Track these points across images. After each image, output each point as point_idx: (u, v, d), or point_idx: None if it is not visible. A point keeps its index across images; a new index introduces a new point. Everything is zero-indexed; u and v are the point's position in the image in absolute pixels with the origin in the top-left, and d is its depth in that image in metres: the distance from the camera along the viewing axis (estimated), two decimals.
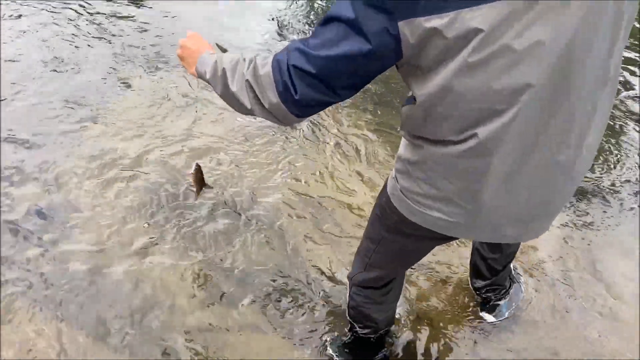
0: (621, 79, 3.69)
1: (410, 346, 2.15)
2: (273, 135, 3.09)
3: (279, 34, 4.07)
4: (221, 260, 2.40)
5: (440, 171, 1.22)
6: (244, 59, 1.21)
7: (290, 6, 4.50)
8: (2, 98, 3.14)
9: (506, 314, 2.20)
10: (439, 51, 0.99)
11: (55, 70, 3.45)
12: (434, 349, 2.15)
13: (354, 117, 3.27)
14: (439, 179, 1.23)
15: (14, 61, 3.47)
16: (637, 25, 3.98)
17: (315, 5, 4.57)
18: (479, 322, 2.23)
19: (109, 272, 2.30)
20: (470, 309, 2.27)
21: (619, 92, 3.52)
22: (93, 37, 3.85)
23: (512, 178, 1.17)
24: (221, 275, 2.34)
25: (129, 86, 3.39)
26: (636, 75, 3.82)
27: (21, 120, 3.02)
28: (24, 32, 3.77)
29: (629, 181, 2.95)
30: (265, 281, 2.33)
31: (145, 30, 3.96)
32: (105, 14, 4.14)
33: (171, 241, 2.45)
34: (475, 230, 1.31)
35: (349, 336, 2.04)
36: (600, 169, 3.02)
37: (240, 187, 2.75)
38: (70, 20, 3.99)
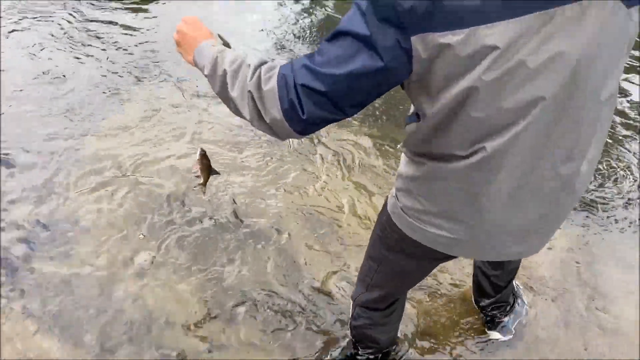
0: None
1: None
2: (268, 146, 3.06)
3: (279, 46, 4.06)
4: (218, 274, 2.36)
5: (444, 187, 1.19)
6: (248, 65, 1.13)
7: (286, 17, 4.48)
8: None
9: (513, 331, 2.17)
10: (452, 68, 0.96)
11: (46, 82, 3.40)
12: None
13: (350, 129, 3.24)
14: (441, 194, 1.21)
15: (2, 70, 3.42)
16: None
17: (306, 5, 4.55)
18: (483, 339, 2.20)
19: (104, 288, 2.26)
20: (474, 325, 2.24)
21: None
22: (84, 45, 3.80)
23: (518, 192, 1.15)
24: (218, 290, 2.30)
25: (121, 98, 3.34)
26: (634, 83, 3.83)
27: (11, 133, 2.97)
28: (13, 44, 3.73)
29: (629, 192, 2.94)
30: (263, 296, 2.29)
31: (140, 42, 3.91)
32: (97, 21, 4.09)
33: (166, 254, 2.41)
34: (478, 248, 1.29)
35: (350, 354, 2.00)
36: (600, 181, 3.00)
37: (235, 198, 2.71)
38: (60, 30, 3.94)
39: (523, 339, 2.21)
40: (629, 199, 2.90)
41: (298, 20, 4.44)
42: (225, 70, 1.16)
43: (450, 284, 2.40)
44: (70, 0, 4.34)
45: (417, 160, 1.23)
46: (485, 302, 2.14)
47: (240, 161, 2.95)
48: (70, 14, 4.15)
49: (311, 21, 4.43)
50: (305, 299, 2.30)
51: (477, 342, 2.19)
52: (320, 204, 2.74)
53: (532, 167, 1.11)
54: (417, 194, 1.26)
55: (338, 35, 0.99)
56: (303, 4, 4.69)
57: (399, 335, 2.08)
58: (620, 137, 3.34)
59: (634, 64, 4.02)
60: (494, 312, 2.16)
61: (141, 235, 2.50)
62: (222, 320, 2.19)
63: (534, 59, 0.94)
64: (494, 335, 2.17)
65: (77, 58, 3.68)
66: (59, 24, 4.00)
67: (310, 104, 1.04)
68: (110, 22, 4.12)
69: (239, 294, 2.29)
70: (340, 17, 4.38)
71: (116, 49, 3.80)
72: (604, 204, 2.86)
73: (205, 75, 1.23)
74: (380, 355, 1.95)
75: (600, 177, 3.03)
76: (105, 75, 3.53)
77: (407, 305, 2.17)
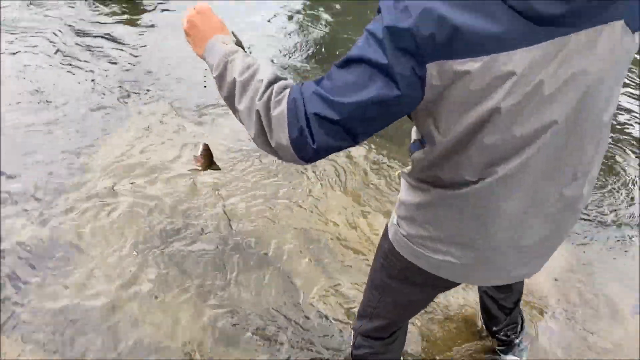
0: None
1: None
2: (261, 162, 3.02)
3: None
4: (214, 294, 2.31)
5: (451, 213, 1.17)
6: (260, 80, 1.07)
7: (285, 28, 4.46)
8: None
9: (525, 351, 2.12)
10: (468, 95, 0.94)
11: (35, 102, 3.33)
12: None
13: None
14: (448, 220, 1.19)
15: None
16: None
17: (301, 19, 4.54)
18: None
19: (99, 308, 2.20)
20: (478, 346, 2.20)
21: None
22: (77, 61, 3.74)
23: (526, 214, 1.14)
24: (213, 312, 2.24)
25: (114, 115, 3.29)
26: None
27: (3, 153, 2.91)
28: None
29: (629, 207, 2.93)
30: (260, 319, 2.23)
31: (133, 58, 3.86)
32: (91, 34, 4.04)
33: (162, 274, 2.36)
34: (485, 273, 1.28)
35: None
36: (600, 198, 2.99)
37: (229, 215, 2.67)
38: (49, 46, 3.88)
39: None
40: (629, 217, 2.89)
41: (294, 36, 4.42)
42: (234, 79, 1.10)
43: (454, 304, 2.36)
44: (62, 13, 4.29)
45: (421, 186, 1.21)
46: (497, 327, 2.10)
47: (234, 176, 2.91)
48: (60, 30, 4.09)
49: (307, 37, 4.42)
50: (301, 319, 2.25)
51: None
52: (314, 220, 2.70)
53: (540, 189, 1.11)
54: (422, 221, 1.24)
55: (351, 61, 0.96)
56: (299, 21, 4.68)
57: None
58: (621, 155, 3.34)
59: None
60: (508, 334, 2.11)
61: (135, 253, 2.44)
62: (217, 341, 2.13)
63: (550, 84, 0.95)
64: (510, 358, 2.13)
65: (71, 73, 3.63)
66: (45, 43, 3.94)
67: (322, 133, 0.99)
68: (106, 36, 4.07)
69: (236, 315, 2.24)
70: (338, 31, 4.38)
71: (107, 65, 3.75)
72: (605, 220, 2.85)
73: (213, 76, 1.17)
74: None
75: (600, 194, 3.02)
76: (94, 89, 3.48)
77: (410, 328, 2.13)
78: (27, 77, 3.54)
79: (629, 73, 4.02)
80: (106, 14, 4.38)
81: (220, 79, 1.14)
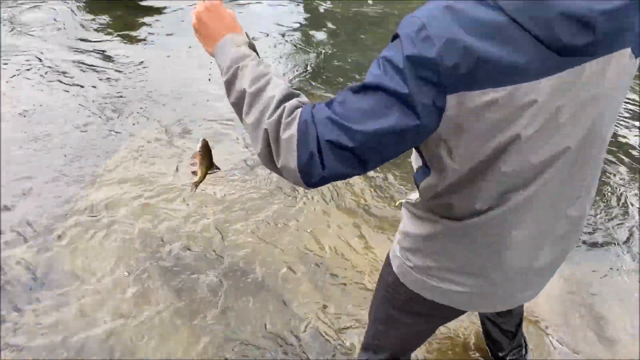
0: None
1: None
2: (253, 181, 2.99)
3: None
4: (209, 318, 2.25)
5: (462, 243, 1.15)
6: (271, 96, 1.01)
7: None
8: None
9: None
10: (487, 125, 0.93)
11: (25, 120, 3.28)
12: None
13: None
14: (459, 250, 1.17)
15: None
16: None
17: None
18: None
19: (92, 335, 2.15)
20: None
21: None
22: (65, 80, 3.71)
23: (537, 239, 1.15)
24: (208, 335, 2.18)
25: (103, 136, 3.26)
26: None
27: None
28: None
29: (629, 230, 2.92)
30: (257, 345, 2.17)
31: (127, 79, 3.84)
32: (88, 51, 4.01)
33: (154, 297, 2.31)
34: (494, 299, 1.27)
35: None
36: (600, 217, 2.98)
37: (219, 233, 2.63)
38: (36, 68, 3.84)
39: None
40: (627, 238, 2.87)
41: (287, 55, 4.42)
42: (244, 90, 1.04)
43: (457, 327, 2.31)
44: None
45: (429, 217, 1.18)
46: (503, 352, 2.05)
47: (222, 195, 2.88)
48: (47, 49, 4.06)
49: (300, 57, 4.42)
50: (295, 342, 2.20)
51: None
52: (307, 239, 2.66)
53: (550, 213, 1.12)
54: (430, 252, 1.21)
55: (367, 88, 0.92)
56: (292, 40, 4.69)
57: None
58: (620, 177, 3.34)
59: None
60: (514, 357, 2.06)
61: (125, 273, 2.39)
62: None
63: (566, 111, 0.96)
64: None
65: (66, 91, 3.59)
66: (38, 58, 3.90)
67: (333, 160, 0.95)
68: (101, 52, 4.04)
69: (230, 341, 2.18)
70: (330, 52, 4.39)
71: (99, 85, 3.71)
72: (604, 242, 2.83)
73: (223, 80, 1.11)
74: None
75: (599, 214, 3.00)
76: (81, 109, 3.43)
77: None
78: (11, 97, 3.50)
79: None
80: (96, 30, 4.37)
81: (229, 84, 1.09)
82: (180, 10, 4.92)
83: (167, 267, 2.45)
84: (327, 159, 0.94)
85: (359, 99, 0.93)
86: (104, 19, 4.69)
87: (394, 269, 1.34)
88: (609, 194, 3.15)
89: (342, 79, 4.07)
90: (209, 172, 1.43)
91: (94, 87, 3.74)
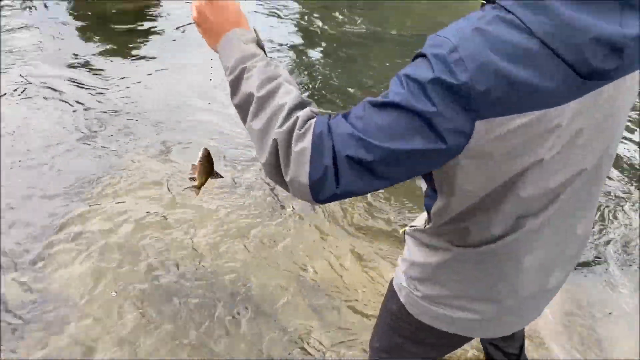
0: None
1: None
2: (240, 199, 2.94)
3: None
4: (201, 341, 2.17)
5: (476, 269, 1.11)
6: (282, 104, 0.93)
7: None
8: None
9: None
10: (512, 150, 0.90)
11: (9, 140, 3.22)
12: None
13: None
14: (473, 277, 1.13)
15: None
16: None
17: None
18: None
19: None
20: None
21: None
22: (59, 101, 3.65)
23: (549, 260, 1.13)
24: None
25: (89, 158, 3.20)
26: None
27: None
28: None
29: (628, 249, 2.90)
30: None
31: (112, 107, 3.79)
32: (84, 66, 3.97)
33: (149, 321, 2.23)
34: (503, 323, 1.24)
35: None
36: (599, 239, 2.96)
37: (208, 255, 2.58)
38: (22, 87, 3.80)
39: None
40: (626, 259, 2.85)
41: None
42: (251, 93, 0.96)
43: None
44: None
45: (440, 245, 1.14)
46: None
47: (212, 215, 2.83)
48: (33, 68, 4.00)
49: (301, 77, 4.41)
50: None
51: None
52: (297, 259, 2.62)
53: (563, 235, 1.11)
54: (441, 280, 1.17)
55: (389, 106, 0.87)
56: (286, 59, 4.68)
57: None
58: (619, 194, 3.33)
59: None
60: None
61: (113, 293, 2.32)
62: None
63: (585, 134, 0.95)
64: None
65: (55, 109, 3.54)
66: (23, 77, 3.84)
67: (350, 176, 0.89)
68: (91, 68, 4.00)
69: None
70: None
71: (86, 104, 3.68)
72: (603, 261, 2.81)
73: (227, 80, 1.02)
74: None
75: (598, 233, 2.98)
76: (67, 129, 3.37)
77: None
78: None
79: None
80: (85, 50, 4.33)
81: (234, 85, 1.01)
82: (169, 32, 4.91)
83: (157, 288, 2.38)
84: (344, 175, 0.89)
85: (381, 116, 0.87)
86: (94, 40, 4.67)
87: (401, 299, 1.29)
88: (598, 209, 3.14)
89: (338, 100, 4.05)
90: (210, 177, 1.37)
91: (82, 106, 3.67)
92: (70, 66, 4.17)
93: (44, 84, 3.87)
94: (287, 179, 0.93)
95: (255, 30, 1.08)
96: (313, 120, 0.91)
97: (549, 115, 0.87)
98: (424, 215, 1.22)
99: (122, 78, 4.06)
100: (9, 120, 3.43)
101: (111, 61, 4.29)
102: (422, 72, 0.85)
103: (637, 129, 3.87)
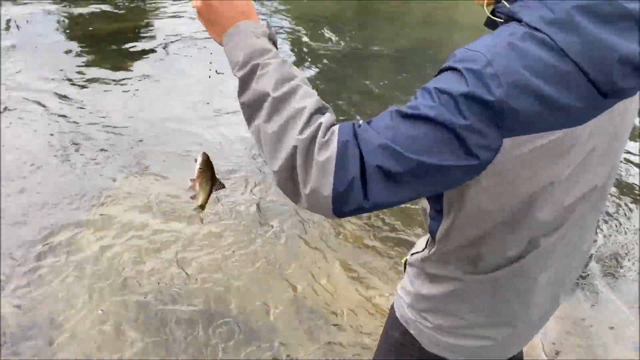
0: None
1: None
2: (236, 220, 2.90)
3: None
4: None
5: (492, 294, 1.07)
6: (302, 108, 0.87)
7: None
8: None
9: None
10: (530, 167, 0.88)
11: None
12: None
13: None
14: (488, 303, 1.08)
15: None
16: None
17: None
18: None
19: None
20: None
21: None
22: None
23: (558, 279, 1.11)
24: None
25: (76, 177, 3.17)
26: None
27: None
28: None
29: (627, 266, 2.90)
30: None
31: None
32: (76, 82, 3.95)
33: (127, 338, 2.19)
34: (512, 347, 1.19)
35: None
36: (599, 255, 2.95)
37: (195, 274, 2.54)
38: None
39: None
40: (623, 275, 2.85)
41: None
42: (266, 92, 0.89)
43: None
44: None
45: (448, 274, 1.09)
46: None
47: (196, 232, 2.79)
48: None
49: None
50: None
51: None
52: (300, 282, 2.58)
53: (571, 252, 1.10)
54: (455, 310, 1.11)
55: (419, 118, 0.83)
56: None
57: None
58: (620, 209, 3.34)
59: None
60: None
61: (99, 312, 2.29)
62: None
63: (598, 151, 0.95)
64: None
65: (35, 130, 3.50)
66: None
67: (380, 188, 0.84)
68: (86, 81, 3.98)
69: None
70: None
71: (68, 123, 3.65)
72: (601, 273, 2.81)
73: (235, 76, 0.94)
74: None
75: (598, 250, 2.98)
76: (49, 149, 3.34)
77: None
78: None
79: None
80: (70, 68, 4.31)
81: (244, 81, 0.92)
82: (157, 52, 4.93)
83: (142, 307, 2.34)
84: (374, 187, 0.84)
85: (412, 128, 0.84)
86: (81, 57, 4.67)
87: (411, 331, 1.22)
88: None
89: (338, 114, 4.05)
90: (213, 189, 1.20)
91: (61, 123, 3.64)
92: (55, 81, 4.14)
93: (26, 99, 3.83)
94: (307, 190, 0.86)
95: (268, 23, 0.99)
96: (336, 128, 0.86)
97: (571, 134, 0.87)
98: (423, 239, 1.18)
99: (105, 91, 4.05)
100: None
101: (95, 79, 4.28)
102: (454, 85, 0.82)
103: None
